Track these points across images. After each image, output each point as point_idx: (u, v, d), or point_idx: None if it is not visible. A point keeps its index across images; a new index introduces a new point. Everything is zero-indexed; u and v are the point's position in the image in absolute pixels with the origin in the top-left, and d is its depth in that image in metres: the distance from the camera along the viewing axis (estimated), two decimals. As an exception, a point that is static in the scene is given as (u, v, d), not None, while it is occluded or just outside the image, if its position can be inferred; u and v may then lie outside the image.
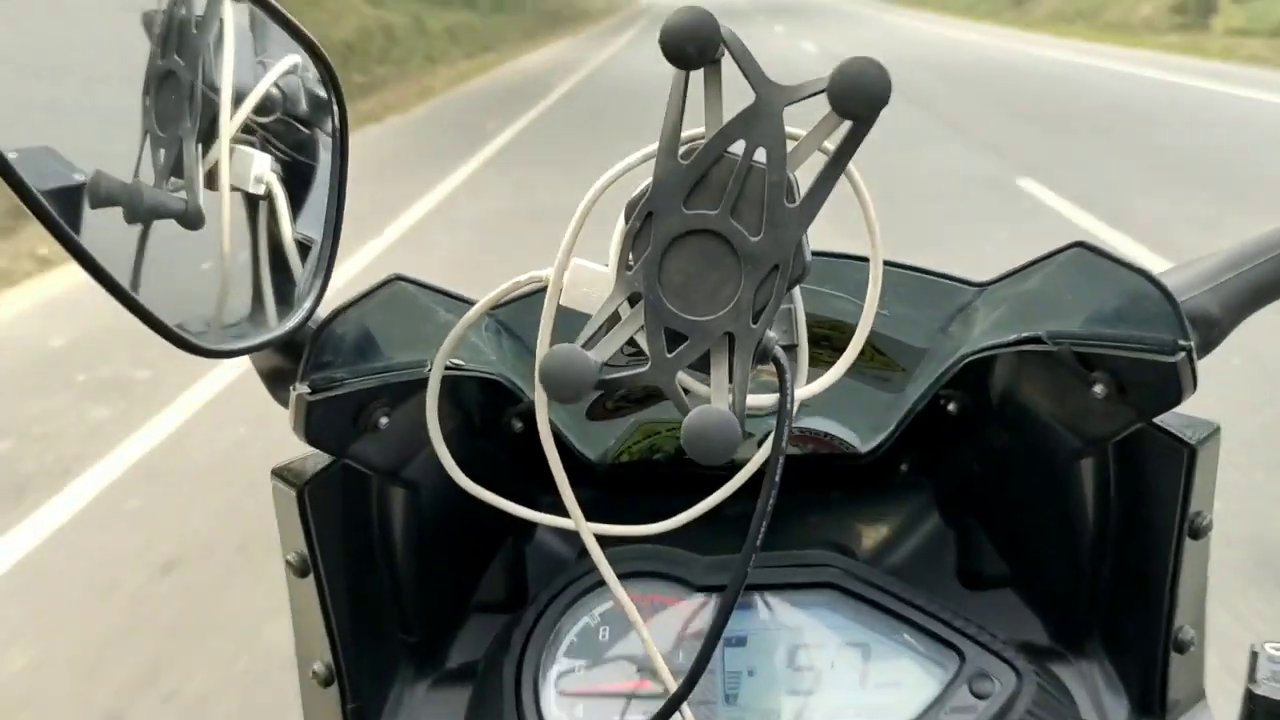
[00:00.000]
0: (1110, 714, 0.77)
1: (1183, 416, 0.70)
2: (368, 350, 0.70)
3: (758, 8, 42.30)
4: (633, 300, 0.50)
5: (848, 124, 0.47)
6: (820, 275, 0.74)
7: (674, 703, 0.60)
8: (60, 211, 0.55)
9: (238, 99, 0.63)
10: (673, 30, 0.46)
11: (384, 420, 0.70)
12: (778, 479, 0.53)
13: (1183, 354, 0.64)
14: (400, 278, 0.72)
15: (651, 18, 37.69)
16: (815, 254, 0.53)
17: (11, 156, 0.52)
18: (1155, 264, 0.72)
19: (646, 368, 0.50)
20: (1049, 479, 0.78)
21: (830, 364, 0.57)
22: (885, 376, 0.79)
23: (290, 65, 0.67)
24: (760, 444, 0.56)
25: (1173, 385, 0.65)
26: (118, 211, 0.59)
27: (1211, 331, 0.69)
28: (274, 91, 0.66)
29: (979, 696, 0.71)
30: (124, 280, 0.57)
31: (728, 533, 0.72)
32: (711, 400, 0.49)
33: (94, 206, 0.59)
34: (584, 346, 0.50)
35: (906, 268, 0.77)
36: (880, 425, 0.78)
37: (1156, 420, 0.70)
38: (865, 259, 0.56)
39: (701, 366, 0.50)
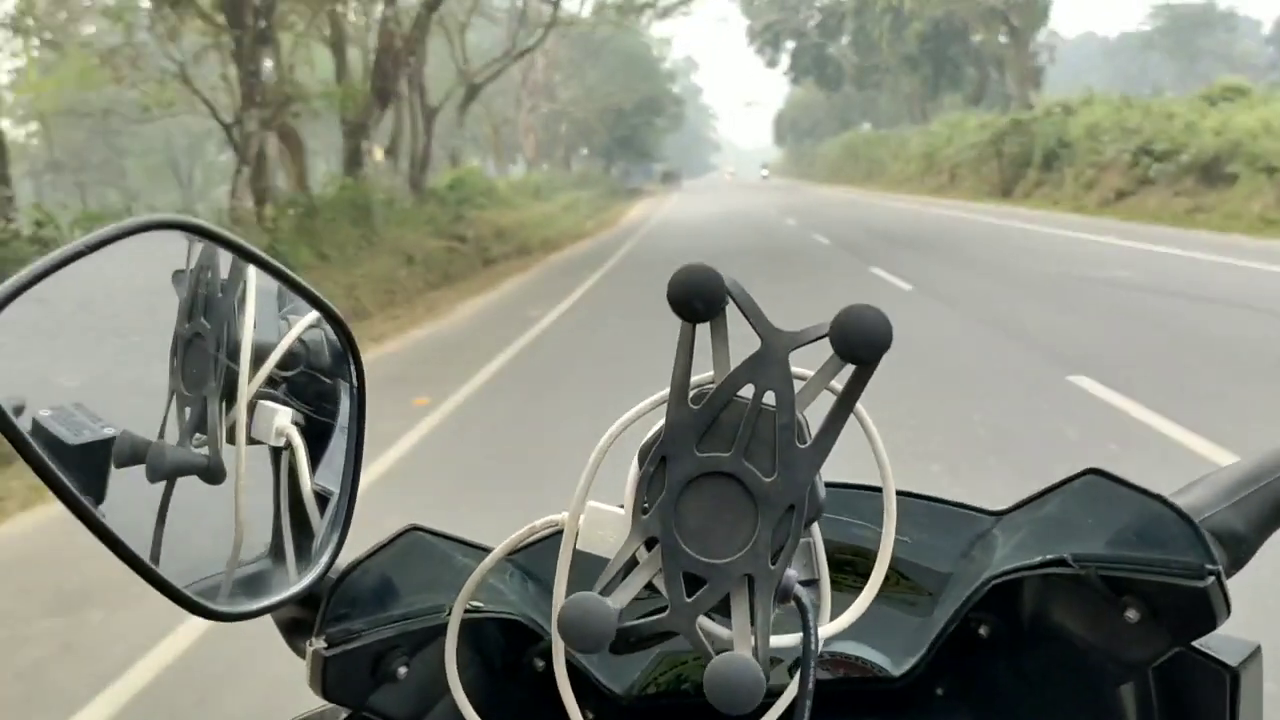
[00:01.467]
0: None
1: (1221, 637, 0.68)
2: (385, 600, 0.69)
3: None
4: (649, 544, 0.50)
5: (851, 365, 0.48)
6: (837, 504, 0.74)
7: None
8: (83, 471, 0.56)
9: (261, 355, 0.66)
10: (680, 287, 0.48)
11: (403, 670, 0.69)
12: (807, 717, 0.51)
13: (1212, 579, 0.62)
14: (417, 528, 0.72)
15: (639, 243, 23.38)
16: (830, 485, 0.53)
17: (26, 428, 0.53)
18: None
19: (666, 614, 0.50)
20: (1090, 704, 0.75)
21: (855, 589, 0.56)
22: (912, 601, 0.78)
23: (313, 320, 0.69)
24: (792, 670, 0.55)
25: (1205, 610, 0.63)
26: (140, 470, 0.61)
27: (1240, 549, 0.68)
28: (297, 346, 0.68)
29: None
30: (145, 540, 0.58)
31: None
32: (734, 645, 0.49)
33: (118, 466, 0.60)
34: (601, 593, 0.50)
35: (921, 497, 0.77)
36: (912, 648, 0.76)
37: (1195, 644, 0.68)
38: (878, 489, 0.56)
39: (722, 609, 0.50)
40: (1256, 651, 0.68)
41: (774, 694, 0.56)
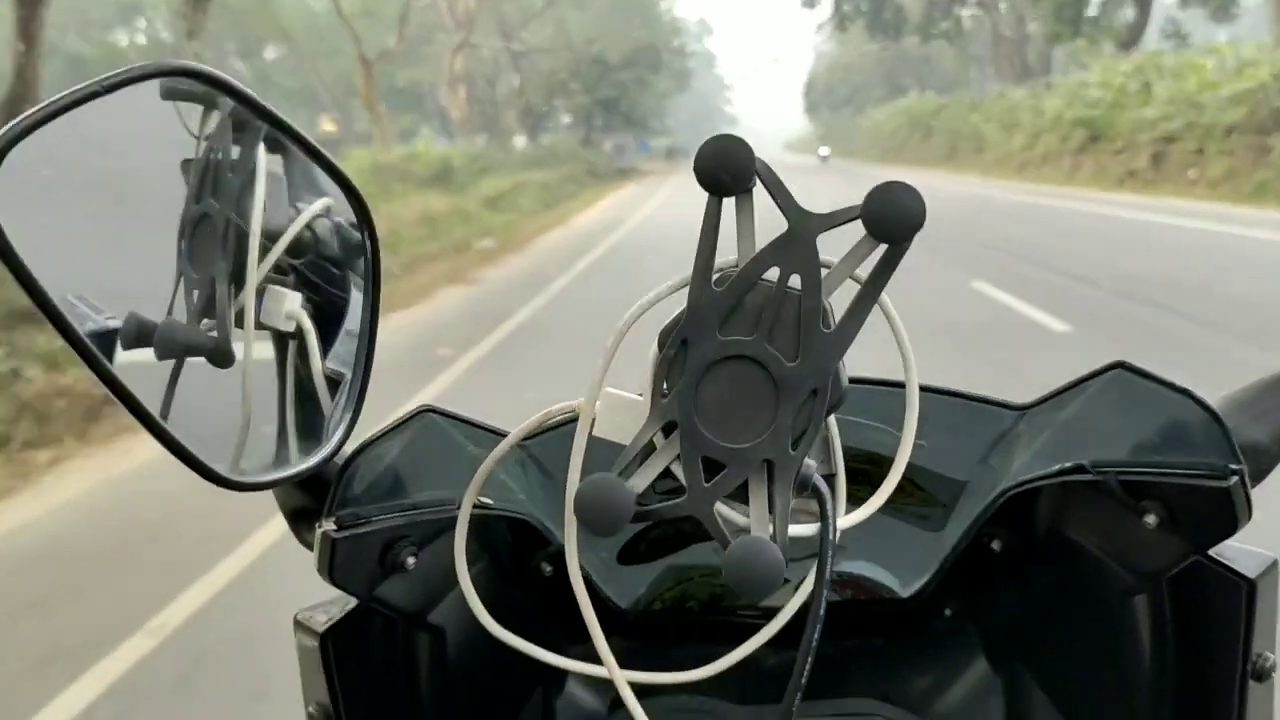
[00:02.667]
0: None
1: (1238, 549, 0.68)
2: (395, 486, 0.68)
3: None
4: (668, 429, 0.49)
5: (880, 251, 0.47)
6: (853, 404, 0.73)
7: None
8: (96, 348, 0.55)
9: (271, 239, 0.64)
10: (708, 158, 0.47)
11: (411, 560, 0.68)
12: (822, 613, 0.50)
13: (1235, 478, 0.62)
14: (430, 409, 0.71)
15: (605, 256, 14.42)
16: (851, 380, 0.52)
17: (56, 298, 0.53)
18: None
19: (684, 498, 0.49)
20: (1101, 619, 0.75)
21: (866, 499, 0.56)
22: (924, 514, 0.77)
23: (322, 208, 0.68)
24: (797, 588, 0.54)
25: (1227, 512, 0.62)
26: (147, 354, 0.60)
27: (1261, 460, 0.67)
28: (306, 234, 0.67)
29: None
30: (154, 413, 0.57)
31: (765, 682, 0.69)
32: (752, 530, 0.48)
33: (126, 347, 0.59)
34: (619, 476, 0.49)
35: (943, 392, 0.76)
36: (921, 567, 0.75)
37: (1211, 553, 0.67)
38: (900, 384, 0.55)
39: (739, 496, 0.49)
40: (1274, 565, 0.67)
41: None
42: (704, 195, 0.48)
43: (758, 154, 0.47)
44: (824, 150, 67.60)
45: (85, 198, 0.62)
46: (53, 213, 0.58)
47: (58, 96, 0.51)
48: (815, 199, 0.50)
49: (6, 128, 0.49)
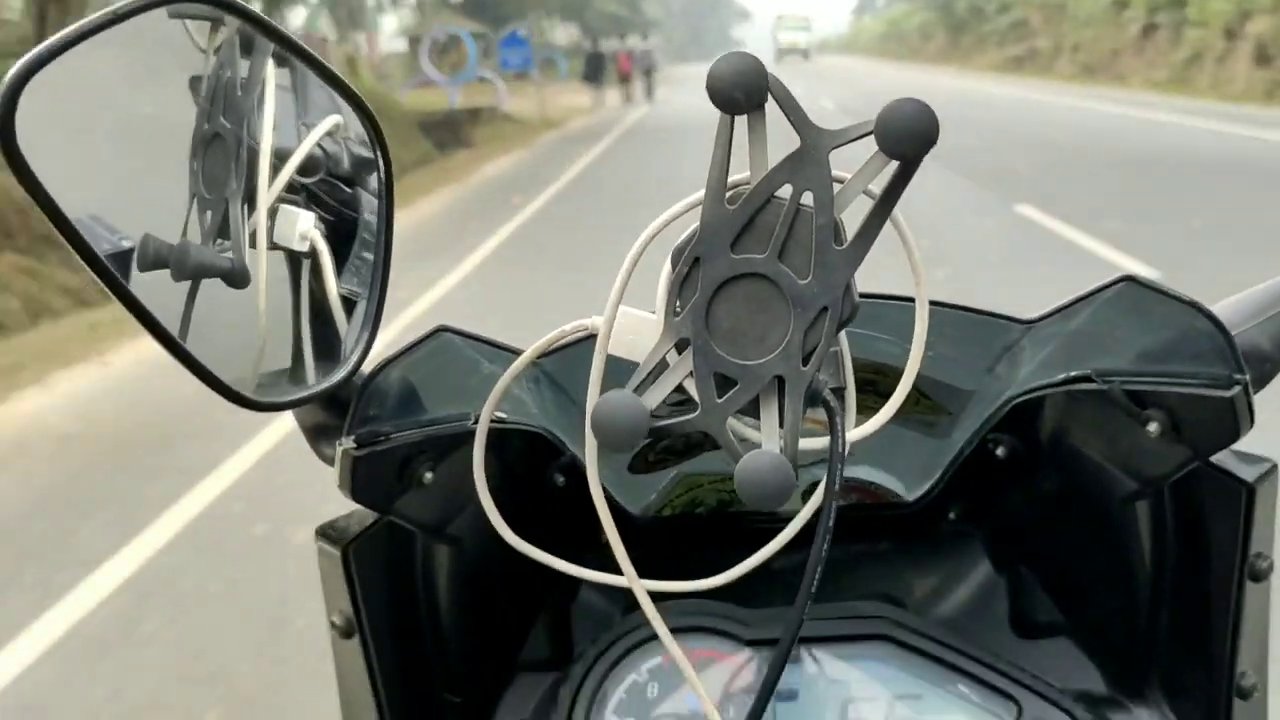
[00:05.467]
0: None
1: (1239, 454, 0.69)
2: (413, 403, 0.70)
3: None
4: (680, 346, 0.50)
5: (892, 166, 0.47)
6: (862, 318, 0.74)
7: None
8: (113, 270, 0.56)
9: (282, 159, 0.64)
10: (720, 76, 0.46)
11: (429, 475, 0.70)
12: (831, 524, 0.52)
13: (1238, 388, 0.62)
14: (446, 329, 0.72)
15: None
16: (861, 296, 0.53)
17: (76, 219, 0.54)
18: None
19: (697, 413, 0.50)
20: (1103, 523, 0.77)
21: (875, 409, 0.56)
22: (931, 421, 0.78)
23: (332, 125, 0.68)
24: (807, 496, 0.55)
25: (1228, 421, 0.63)
26: (166, 271, 0.60)
27: (1264, 366, 0.68)
28: (317, 152, 0.67)
29: None
30: (174, 334, 0.58)
31: (774, 586, 0.71)
32: (763, 444, 0.49)
33: (142, 269, 0.60)
34: (634, 392, 0.50)
35: (952, 307, 0.76)
36: (927, 473, 0.77)
37: (1212, 459, 0.68)
38: (911, 300, 0.55)
39: (751, 411, 0.50)
40: (1274, 469, 0.68)
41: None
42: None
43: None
44: (798, 35, 43.63)
45: (103, 125, 0.62)
46: (72, 140, 0.58)
47: (74, 26, 0.51)
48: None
49: (27, 57, 0.49)
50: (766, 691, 0.56)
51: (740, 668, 0.75)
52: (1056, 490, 0.80)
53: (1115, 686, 0.80)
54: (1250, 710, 0.72)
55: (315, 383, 0.64)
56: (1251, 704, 0.72)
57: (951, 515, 0.86)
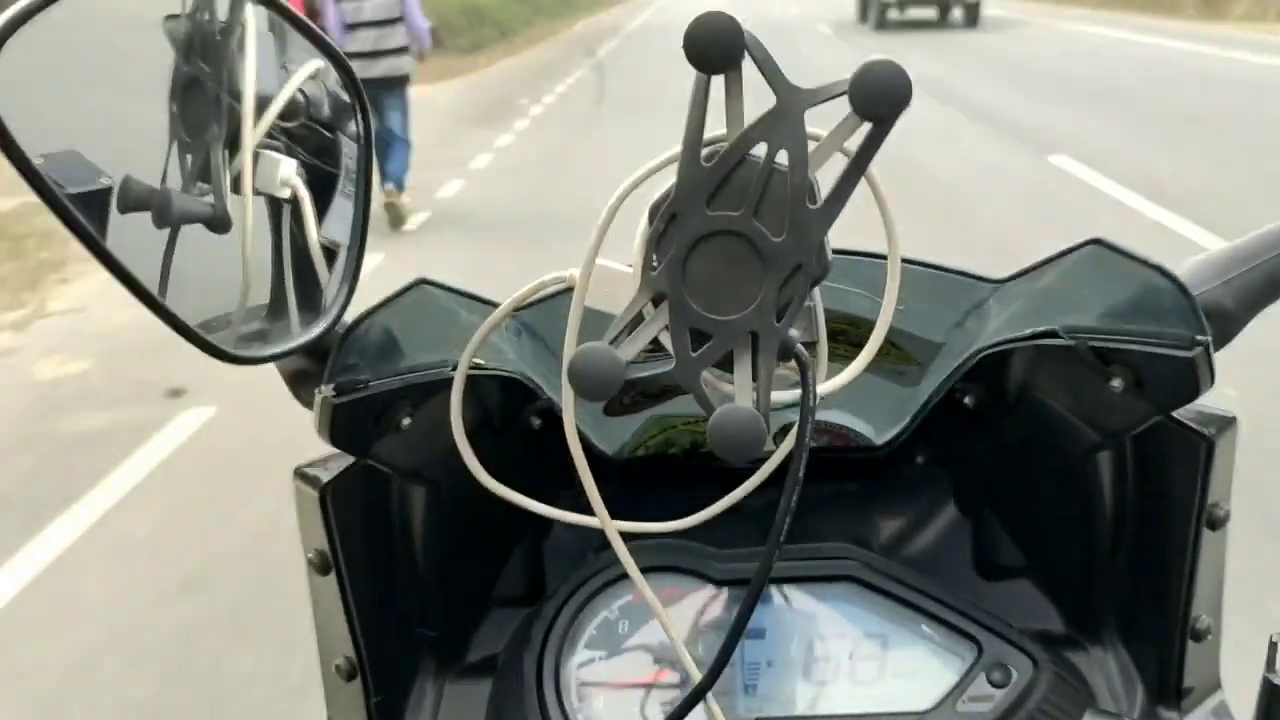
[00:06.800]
0: (1126, 702, 0.78)
1: (1200, 409, 0.71)
2: (391, 353, 0.70)
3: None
4: (656, 300, 0.51)
5: (867, 126, 0.47)
6: (837, 272, 0.75)
7: (698, 693, 0.60)
8: (88, 216, 0.55)
9: (263, 104, 0.64)
10: (696, 34, 0.47)
11: (406, 421, 0.71)
12: (801, 474, 0.53)
13: (1200, 349, 0.64)
14: (426, 281, 0.72)
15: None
16: (835, 252, 0.54)
17: (38, 161, 0.53)
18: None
19: (672, 367, 0.51)
20: (1066, 471, 0.79)
21: (848, 359, 0.58)
22: (901, 370, 0.80)
23: (313, 70, 0.67)
24: (778, 439, 0.57)
25: (1190, 380, 0.65)
26: (146, 216, 0.60)
27: (1227, 325, 0.69)
28: (298, 97, 0.67)
29: (996, 686, 0.72)
30: (151, 285, 0.58)
31: (744, 526, 0.73)
32: (736, 398, 0.50)
33: (123, 211, 0.59)
34: (609, 344, 0.51)
35: (924, 265, 0.77)
36: (896, 419, 0.78)
37: (1174, 413, 0.70)
38: (884, 257, 0.56)
39: (725, 365, 0.51)
40: (1233, 423, 0.70)
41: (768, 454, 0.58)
42: None
43: None
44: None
45: (85, 76, 0.61)
46: (48, 85, 0.58)
47: None
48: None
49: (9, 12, 0.49)
50: (738, 628, 0.58)
51: (709, 605, 0.77)
52: (1022, 439, 0.82)
53: (1073, 627, 0.82)
54: (1203, 652, 0.75)
55: (297, 335, 0.64)
56: (1204, 646, 0.75)
57: (919, 459, 0.87)
